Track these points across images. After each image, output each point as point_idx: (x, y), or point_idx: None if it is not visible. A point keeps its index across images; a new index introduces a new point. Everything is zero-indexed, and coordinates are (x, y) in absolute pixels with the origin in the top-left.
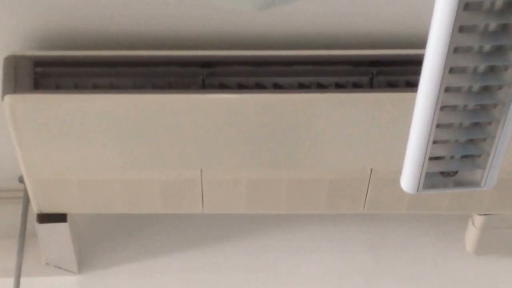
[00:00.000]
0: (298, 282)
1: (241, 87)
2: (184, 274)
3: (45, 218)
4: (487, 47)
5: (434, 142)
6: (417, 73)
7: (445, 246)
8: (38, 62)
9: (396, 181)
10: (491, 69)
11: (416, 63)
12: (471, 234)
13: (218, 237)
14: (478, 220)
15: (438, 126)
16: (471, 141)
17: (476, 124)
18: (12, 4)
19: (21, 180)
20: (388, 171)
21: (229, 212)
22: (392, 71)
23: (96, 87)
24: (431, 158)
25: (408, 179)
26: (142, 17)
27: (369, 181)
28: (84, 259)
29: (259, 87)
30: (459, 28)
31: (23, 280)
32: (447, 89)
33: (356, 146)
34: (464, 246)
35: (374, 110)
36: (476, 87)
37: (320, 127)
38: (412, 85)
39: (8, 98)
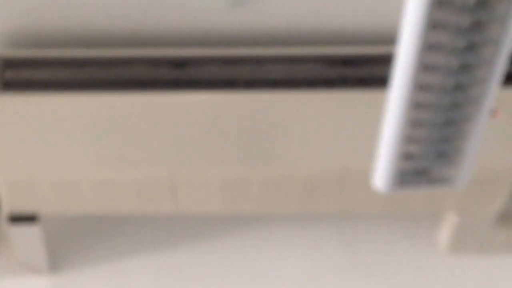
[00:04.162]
0: (272, 281)
1: (213, 86)
2: (157, 274)
3: (17, 218)
4: (459, 43)
5: (407, 139)
6: (390, 70)
7: (419, 244)
8: (8, 62)
9: (370, 179)
10: (464, 66)
11: (389, 60)
12: (444, 232)
13: (191, 236)
14: (452, 218)
15: (410, 123)
16: (444, 138)
17: (449, 121)
18: None
19: None
20: (362, 170)
21: (202, 211)
22: (364, 68)
23: (66, 87)
24: (403, 156)
25: (380, 177)
26: (112, 16)
27: (343, 180)
28: (56, 260)
29: (231, 86)
30: (432, 25)
31: None
32: (420, 86)
33: (329, 145)
34: (438, 244)
35: (347, 108)
36: (448, 84)
37: (293, 126)
38: (385, 82)
39: None
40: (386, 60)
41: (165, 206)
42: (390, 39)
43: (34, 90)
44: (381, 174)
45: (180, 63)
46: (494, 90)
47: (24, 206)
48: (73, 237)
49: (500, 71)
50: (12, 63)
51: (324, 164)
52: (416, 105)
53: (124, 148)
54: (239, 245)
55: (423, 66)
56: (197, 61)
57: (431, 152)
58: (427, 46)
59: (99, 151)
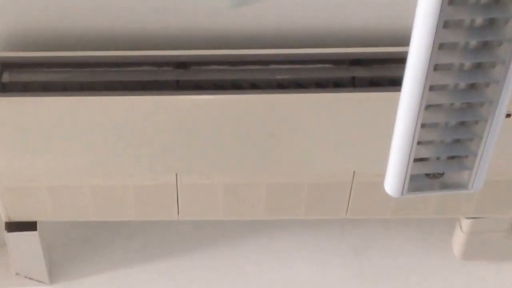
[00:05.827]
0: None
1: (217, 88)
2: (158, 283)
3: (14, 226)
4: (473, 43)
5: (419, 142)
6: (401, 71)
7: (432, 251)
8: (6, 64)
9: (380, 184)
10: (478, 66)
11: (399, 61)
12: (459, 238)
13: (194, 244)
14: (466, 224)
15: (423, 126)
16: (457, 141)
17: (462, 124)
18: None
19: None
20: (372, 174)
21: (206, 218)
22: (374, 69)
23: (66, 89)
24: (416, 160)
25: (392, 182)
26: (112, 16)
27: (352, 185)
28: (56, 269)
29: (236, 87)
30: (444, 24)
31: None
32: (432, 87)
33: (337, 148)
34: (451, 251)
35: (356, 110)
36: (462, 84)
37: (300, 129)
38: (395, 84)
39: None
40: (396, 61)
41: (168, 213)
42: (401, 39)
43: (33, 93)
44: (392, 178)
45: (182, 65)
46: (510, 91)
47: (22, 214)
48: (73, 245)
49: None
50: (10, 65)
51: (333, 167)
52: (428, 107)
53: (124, 152)
54: (245, 251)
55: (435, 66)
56: (200, 62)
57: (444, 155)
58: (440, 46)
59: (99, 156)
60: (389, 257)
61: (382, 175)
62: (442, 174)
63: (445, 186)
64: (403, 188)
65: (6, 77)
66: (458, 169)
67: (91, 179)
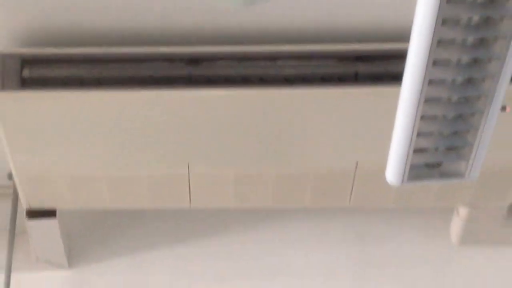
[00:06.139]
0: (286, 275)
1: (227, 83)
2: (173, 268)
3: (35, 214)
4: (470, 39)
5: (419, 134)
6: (402, 66)
7: (431, 238)
8: (26, 60)
9: (382, 174)
10: (475, 61)
11: (400, 56)
12: (456, 225)
13: (206, 231)
14: (463, 211)
15: (422, 118)
16: (455, 133)
17: (459, 116)
18: None
19: (10, 177)
20: (374, 165)
21: (216, 206)
22: (377, 65)
23: (83, 84)
24: (415, 150)
25: (393, 171)
26: (128, 13)
27: (355, 175)
28: (74, 254)
29: (245, 81)
30: (442, 21)
31: (13, 276)
32: (431, 82)
33: (341, 140)
34: (449, 237)
35: (359, 104)
36: (459, 79)
37: (306, 122)
38: (397, 79)
39: None
40: (398, 57)
41: (180, 202)
42: (403, 35)
43: (52, 88)
44: (393, 168)
45: (194, 60)
46: (505, 85)
47: (42, 202)
48: (91, 231)
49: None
50: (29, 61)
51: (337, 159)
52: (427, 100)
53: (139, 144)
54: (255, 238)
55: (434, 62)
56: (210, 58)
57: (442, 146)
58: (438, 42)
59: (115, 148)
60: (390, 243)
61: (384, 166)
62: (440, 164)
63: (443, 176)
64: (403, 177)
65: (26, 73)
66: (456, 159)
67: (108, 169)
